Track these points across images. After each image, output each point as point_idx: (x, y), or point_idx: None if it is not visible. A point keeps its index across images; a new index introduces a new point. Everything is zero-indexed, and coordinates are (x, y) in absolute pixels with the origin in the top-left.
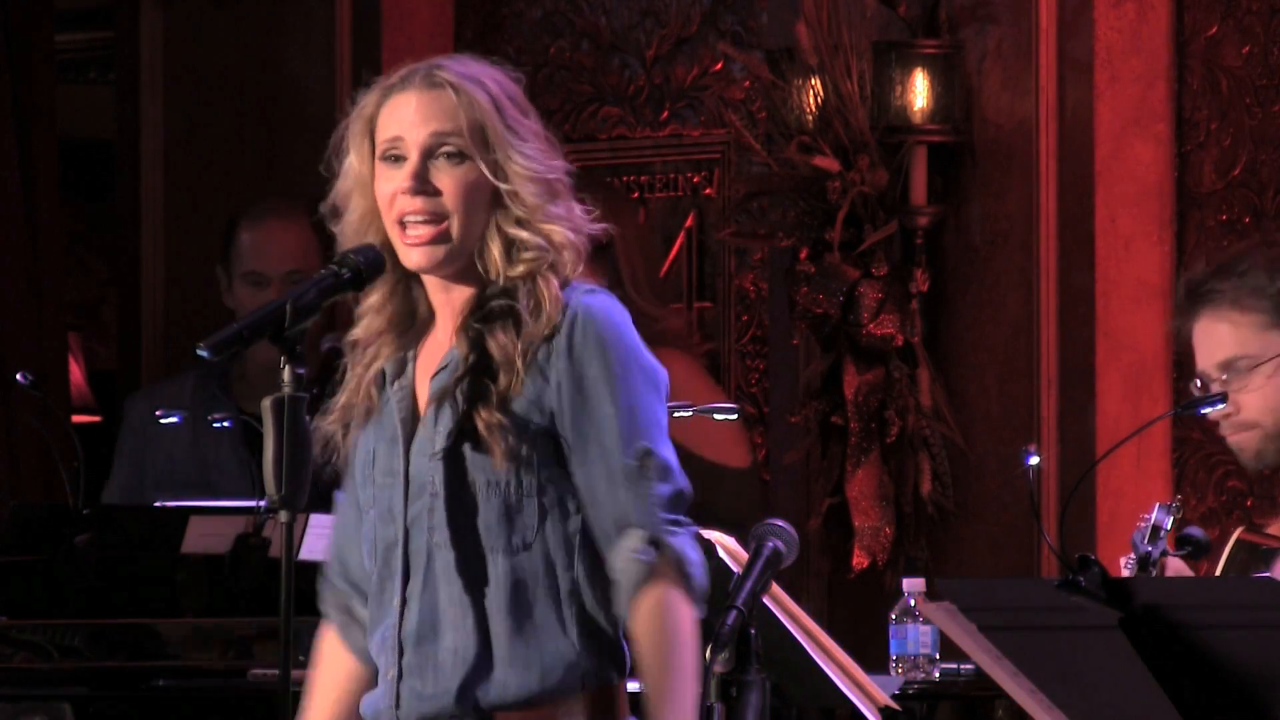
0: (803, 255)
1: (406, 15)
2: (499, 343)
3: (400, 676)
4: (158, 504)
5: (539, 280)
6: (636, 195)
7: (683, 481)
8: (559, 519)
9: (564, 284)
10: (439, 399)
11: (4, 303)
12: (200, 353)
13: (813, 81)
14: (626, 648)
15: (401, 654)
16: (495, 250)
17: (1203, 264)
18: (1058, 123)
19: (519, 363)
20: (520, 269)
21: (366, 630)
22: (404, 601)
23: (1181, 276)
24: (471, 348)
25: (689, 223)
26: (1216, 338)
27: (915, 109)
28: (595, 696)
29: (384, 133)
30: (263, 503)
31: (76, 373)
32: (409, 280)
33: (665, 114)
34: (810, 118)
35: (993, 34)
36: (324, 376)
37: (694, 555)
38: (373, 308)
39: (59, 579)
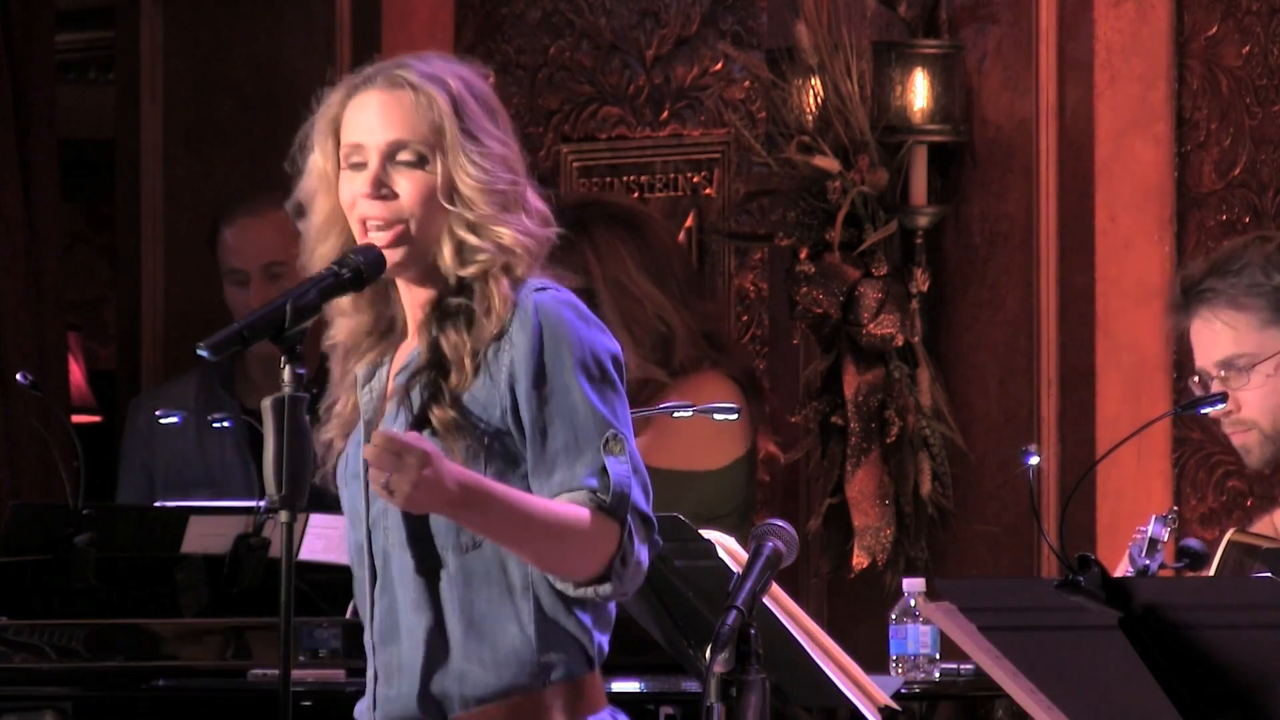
0: (803, 255)
1: (406, 15)
2: (450, 341)
3: (376, 679)
4: (158, 504)
5: (490, 280)
6: (637, 195)
7: (646, 477)
8: None
9: (516, 283)
10: (397, 399)
11: (4, 303)
12: (200, 353)
13: (813, 81)
14: (597, 638)
15: (376, 656)
16: (448, 252)
17: (1201, 262)
18: (1058, 123)
19: (468, 361)
20: (472, 269)
21: None
22: (373, 604)
23: (1176, 274)
24: (429, 348)
25: (689, 223)
26: (1214, 336)
27: (915, 109)
28: (562, 690)
29: (347, 136)
30: (262, 503)
31: (76, 373)
32: (387, 285)
33: (665, 114)
34: (810, 118)
35: (993, 34)
36: (321, 376)
37: (644, 556)
38: (345, 311)
39: (59, 579)
